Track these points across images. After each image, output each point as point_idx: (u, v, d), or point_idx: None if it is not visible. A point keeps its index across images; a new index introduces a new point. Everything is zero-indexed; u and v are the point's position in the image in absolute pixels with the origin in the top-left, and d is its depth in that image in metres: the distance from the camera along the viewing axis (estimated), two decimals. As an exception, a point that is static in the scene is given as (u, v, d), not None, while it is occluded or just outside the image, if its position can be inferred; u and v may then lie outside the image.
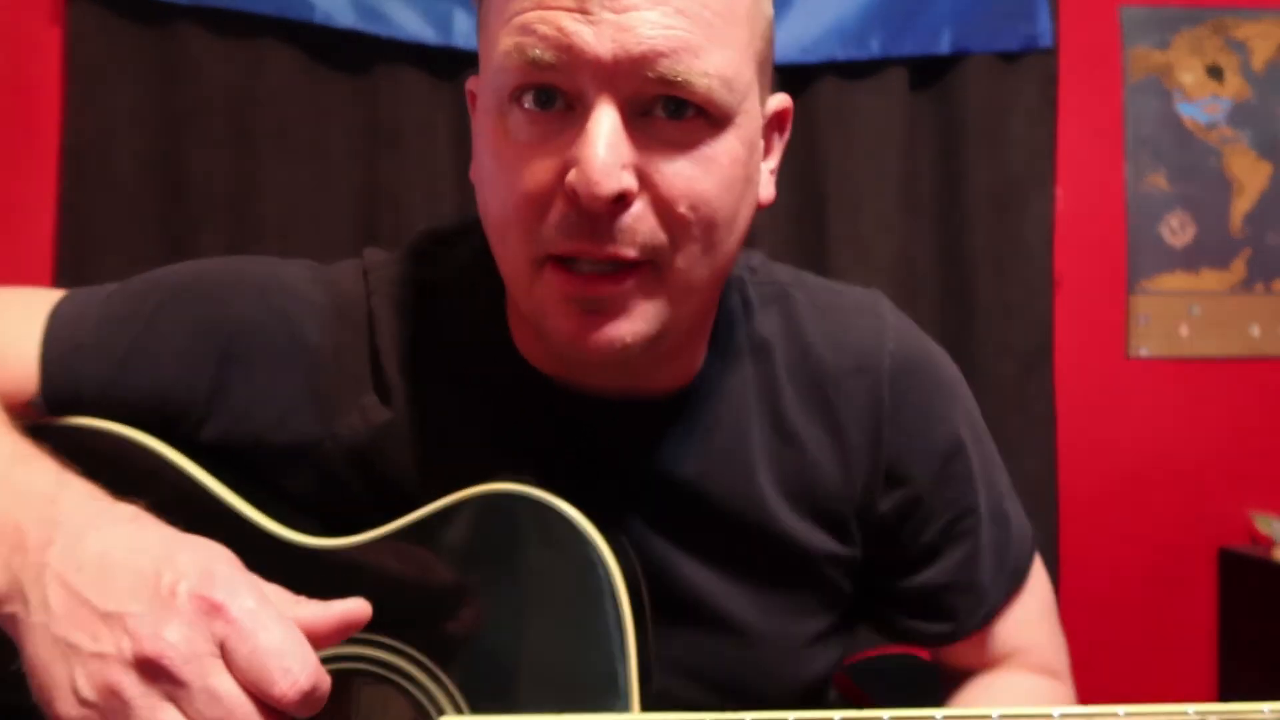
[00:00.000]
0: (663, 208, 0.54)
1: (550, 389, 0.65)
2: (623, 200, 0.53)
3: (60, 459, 0.58)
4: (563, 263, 0.55)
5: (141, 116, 1.65)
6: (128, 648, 0.48)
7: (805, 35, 1.73)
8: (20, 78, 1.69)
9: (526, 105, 0.54)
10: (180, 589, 0.49)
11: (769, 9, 0.60)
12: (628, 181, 0.52)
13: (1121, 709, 0.48)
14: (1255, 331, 1.94)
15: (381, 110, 1.69)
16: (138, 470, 0.64)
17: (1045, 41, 1.77)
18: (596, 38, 0.51)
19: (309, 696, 0.49)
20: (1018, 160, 1.78)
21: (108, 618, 0.49)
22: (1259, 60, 1.95)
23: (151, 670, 0.47)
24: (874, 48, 1.74)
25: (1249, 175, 1.94)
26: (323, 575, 0.63)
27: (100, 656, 0.48)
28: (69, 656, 0.48)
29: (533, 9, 0.52)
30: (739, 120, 0.56)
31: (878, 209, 1.75)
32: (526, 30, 0.52)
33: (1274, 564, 1.78)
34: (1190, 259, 1.93)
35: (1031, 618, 0.73)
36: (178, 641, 0.47)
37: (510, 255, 0.57)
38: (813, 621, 0.69)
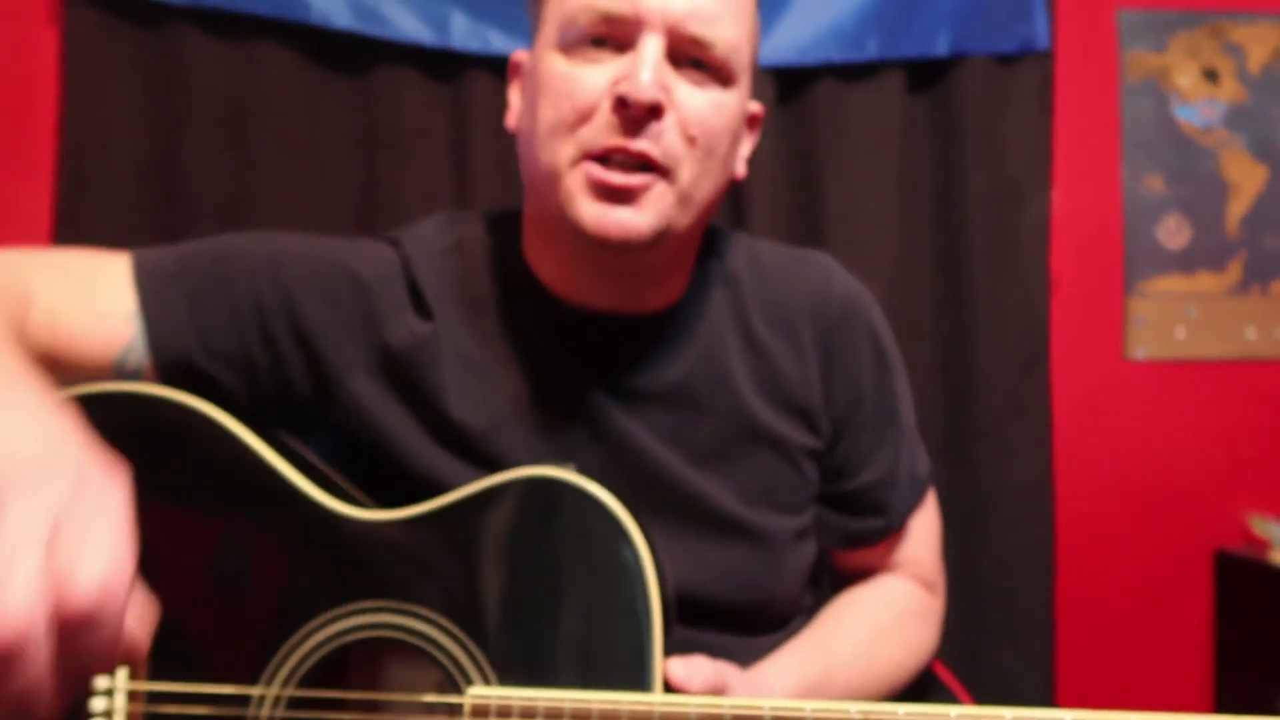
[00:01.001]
0: (682, 127, 0.70)
1: (561, 307, 0.78)
2: (656, 112, 0.69)
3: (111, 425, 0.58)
4: (596, 161, 0.69)
5: (138, 118, 1.64)
6: None
7: (802, 37, 1.73)
8: (17, 79, 1.69)
9: (589, 44, 0.71)
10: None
11: (759, 35, 0.80)
12: (664, 97, 0.69)
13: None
14: (1251, 334, 1.94)
15: (379, 112, 1.69)
16: (189, 435, 0.68)
17: (1042, 44, 1.77)
18: None
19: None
20: (1015, 162, 1.78)
21: None
22: (1255, 63, 1.95)
23: None
24: (871, 49, 1.74)
25: (1245, 178, 1.94)
26: (365, 546, 0.67)
27: None
28: None
29: None
30: (737, 87, 0.74)
31: (874, 210, 1.76)
32: None
33: (1270, 566, 1.78)
34: (1186, 261, 1.93)
35: (923, 536, 0.89)
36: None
37: (551, 155, 0.71)
38: (795, 518, 0.82)
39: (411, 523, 0.67)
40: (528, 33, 1.66)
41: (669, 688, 0.62)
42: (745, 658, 0.77)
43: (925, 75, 1.79)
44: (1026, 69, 1.78)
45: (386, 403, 0.76)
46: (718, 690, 0.64)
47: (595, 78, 0.70)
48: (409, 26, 1.67)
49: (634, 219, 0.70)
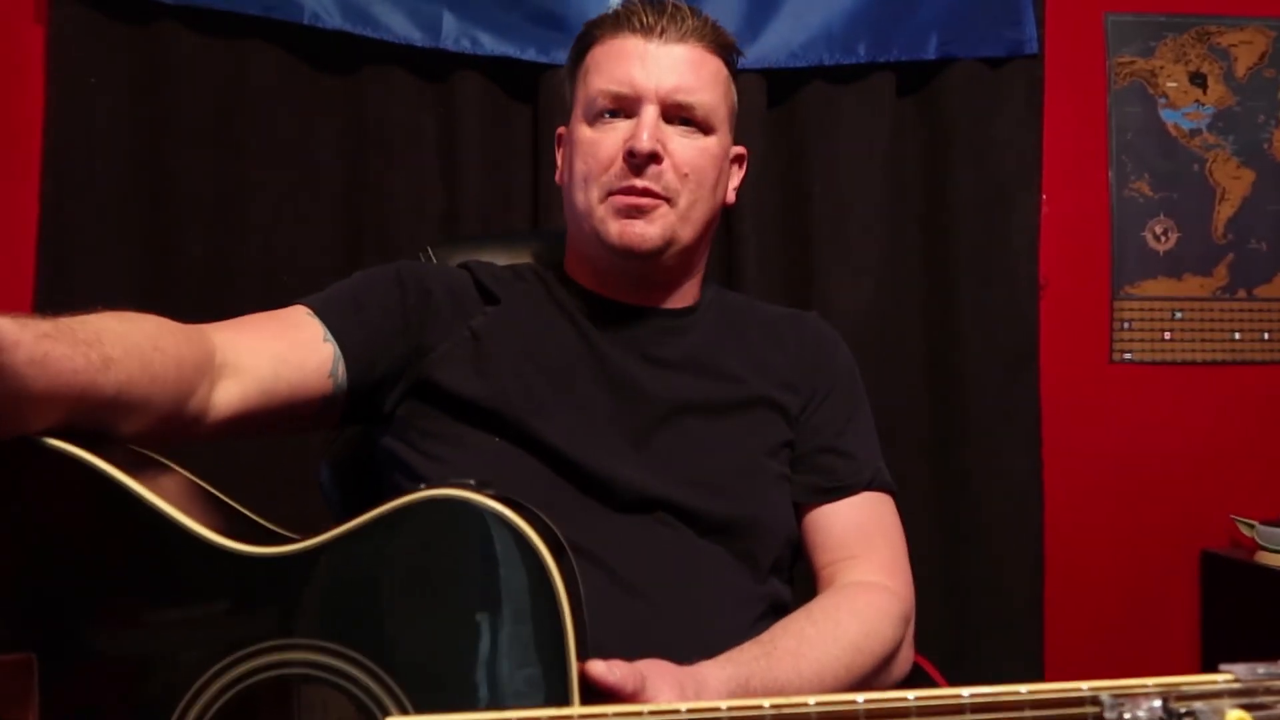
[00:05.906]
0: (675, 168, 0.95)
1: (596, 298, 1.01)
2: (655, 158, 0.94)
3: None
4: (618, 193, 0.95)
5: (126, 117, 1.64)
6: None
7: (793, 40, 1.73)
8: (2, 77, 1.68)
9: (606, 116, 0.97)
10: None
11: (735, 96, 1.03)
12: (659, 148, 0.94)
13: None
14: (1237, 336, 1.95)
15: (368, 112, 1.69)
16: (80, 484, 0.65)
17: (1031, 48, 1.78)
18: (647, 78, 0.95)
19: None
20: (1003, 165, 1.79)
21: None
22: (1242, 68, 1.96)
23: None
24: (861, 53, 1.74)
25: (1231, 182, 1.96)
26: (266, 583, 0.64)
27: None
28: None
29: (616, 66, 0.96)
30: (717, 135, 0.99)
31: (864, 213, 1.76)
32: (612, 79, 0.96)
33: (1255, 566, 1.79)
34: (1173, 265, 1.94)
35: (878, 531, 0.98)
36: None
37: (585, 197, 0.96)
38: (775, 462, 0.98)
39: (312, 553, 0.64)
40: (516, 35, 1.68)
41: (586, 699, 0.62)
42: (748, 598, 0.91)
43: (914, 78, 1.79)
44: (1015, 72, 1.79)
45: (464, 364, 0.95)
46: (636, 685, 0.65)
47: (611, 139, 0.95)
48: (399, 27, 1.66)
49: (646, 229, 0.94)
